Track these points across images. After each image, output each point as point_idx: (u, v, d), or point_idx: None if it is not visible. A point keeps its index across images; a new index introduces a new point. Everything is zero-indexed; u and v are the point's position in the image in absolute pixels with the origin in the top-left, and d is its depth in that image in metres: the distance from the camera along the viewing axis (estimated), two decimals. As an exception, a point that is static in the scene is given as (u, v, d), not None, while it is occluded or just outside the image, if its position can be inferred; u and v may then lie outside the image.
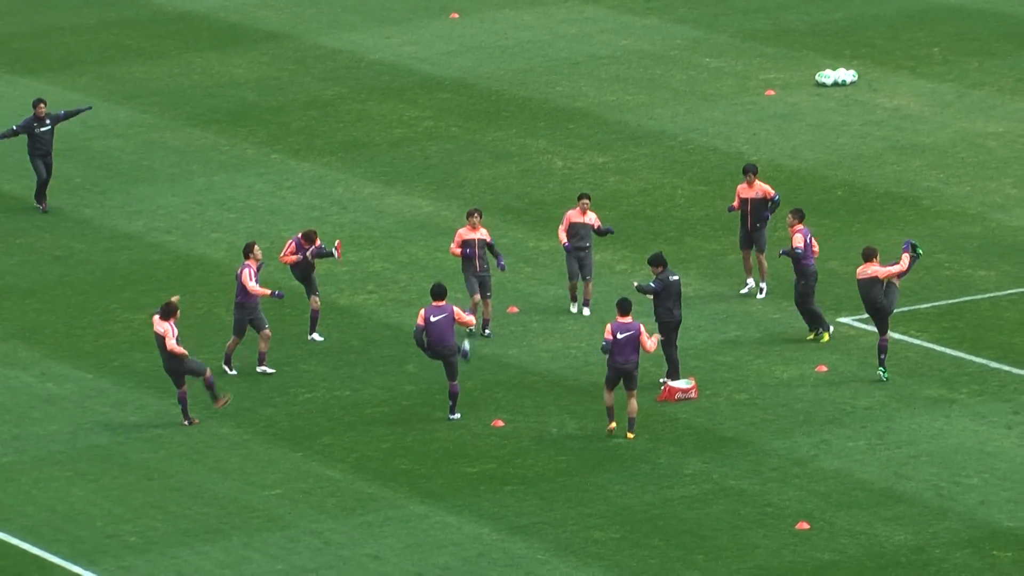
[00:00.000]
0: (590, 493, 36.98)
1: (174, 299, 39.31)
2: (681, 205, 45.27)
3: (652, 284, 39.14)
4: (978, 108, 50.56)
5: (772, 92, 51.69)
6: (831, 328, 41.13)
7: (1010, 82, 52.12)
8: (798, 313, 41.00)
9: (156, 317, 38.89)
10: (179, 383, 39.30)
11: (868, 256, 39.41)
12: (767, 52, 54.21)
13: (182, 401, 39.40)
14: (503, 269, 41.90)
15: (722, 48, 54.65)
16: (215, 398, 39.35)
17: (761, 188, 42.48)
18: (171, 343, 38.70)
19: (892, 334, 39.85)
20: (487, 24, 57.20)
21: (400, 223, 46.10)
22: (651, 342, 38.09)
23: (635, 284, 39.56)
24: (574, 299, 42.08)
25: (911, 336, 39.68)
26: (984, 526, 35.34)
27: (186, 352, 38.96)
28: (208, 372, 39.39)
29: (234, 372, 40.64)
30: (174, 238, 46.23)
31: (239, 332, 40.70)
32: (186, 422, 39.44)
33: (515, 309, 42.11)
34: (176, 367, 39.09)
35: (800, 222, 41.02)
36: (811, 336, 41.03)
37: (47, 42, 56.72)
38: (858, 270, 39.30)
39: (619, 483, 37.22)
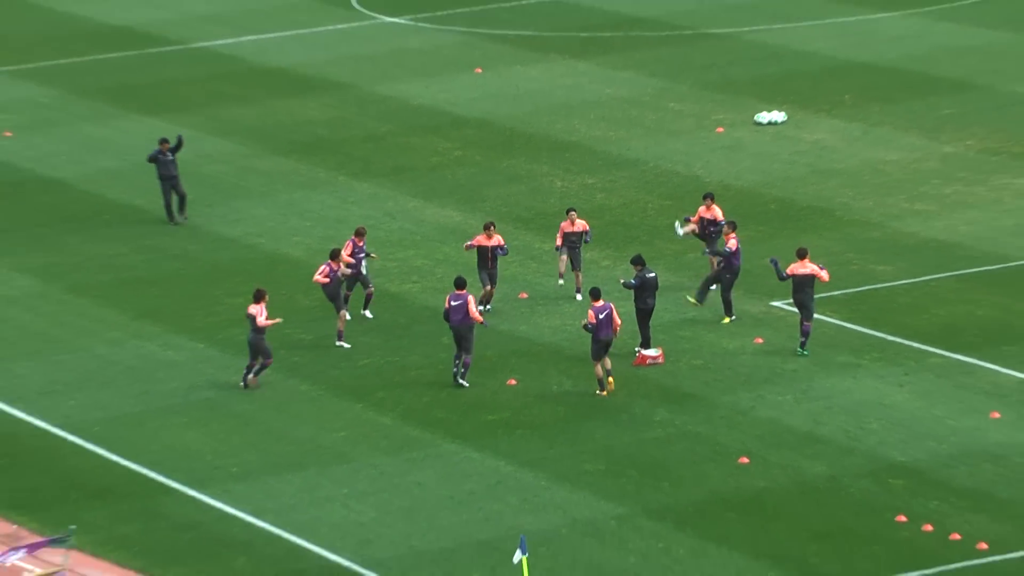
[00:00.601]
0: (581, 436, 36.80)
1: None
2: (651, 216, 45.10)
3: (632, 280, 38.96)
4: (879, 141, 50.35)
5: (721, 129, 51.42)
6: (734, 316, 40.85)
7: (903, 122, 51.89)
8: (729, 301, 41.06)
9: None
10: (265, 355, 39.21)
11: (801, 255, 39.08)
12: (717, 98, 53.91)
13: (264, 367, 39.26)
14: (505, 253, 41.89)
15: (683, 95, 54.35)
16: (256, 375, 39.37)
17: (714, 212, 42.11)
18: (260, 320, 38.61)
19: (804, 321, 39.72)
20: (503, 77, 56.99)
21: (436, 229, 45.97)
22: (619, 319, 38.09)
23: (621, 281, 39.45)
24: (561, 274, 41.99)
25: (827, 316, 39.57)
26: (882, 460, 35.21)
27: (270, 324, 38.97)
28: (270, 360, 39.43)
29: (347, 346, 40.60)
30: (264, 241, 46.09)
31: (338, 308, 40.70)
32: (248, 381, 39.44)
33: (525, 295, 41.97)
34: (258, 341, 39.11)
35: (734, 231, 40.65)
36: (726, 319, 40.99)
37: (167, 90, 56.51)
38: (793, 266, 39.13)
39: (603, 428, 37.04)
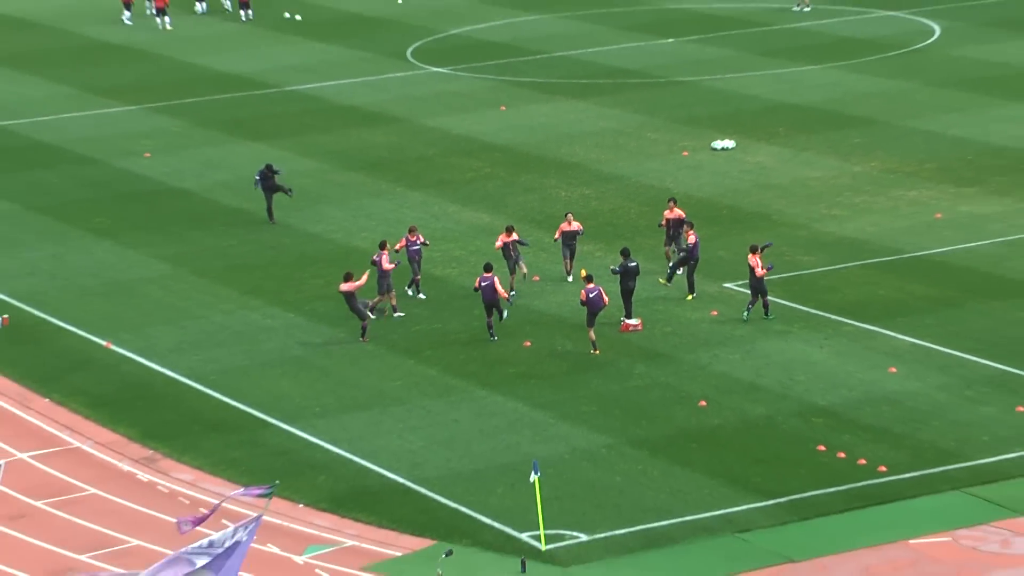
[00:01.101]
0: (579, 384, 36.94)
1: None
2: (633, 218, 45.06)
3: (618, 268, 39.12)
4: (805, 163, 50.21)
5: (686, 153, 51.28)
6: (695, 294, 40.81)
7: (823, 148, 51.77)
8: (692, 281, 40.96)
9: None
10: (363, 318, 39.37)
11: (753, 249, 39.29)
12: (683, 130, 53.74)
13: (363, 329, 39.42)
14: (526, 244, 42.01)
15: (657, 127, 54.15)
16: (362, 335, 39.47)
17: (678, 212, 42.21)
18: (350, 286, 38.78)
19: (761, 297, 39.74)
20: (521, 113, 56.86)
21: (470, 228, 45.94)
22: (607, 298, 38.25)
23: (611, 268, 39.46)
24: (567, 271, 41.85)
25: (774, 297, 39.54)
26: (807, 404, 35.38)
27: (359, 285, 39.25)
28: (367, 322, 39.50)
29: (374, 317, 40.44)
30: (339, 236, 46.12)
31: (381, 291, 40.66)
32: (363, 339, 39.51)
33: (537, 278, 41.94)
34: (355, 306, 39.17)
35: (692, 229, 40.74)
36: (689, 297, 40.89)
37: (267, 122, 56.52)
38: (751, 260, 39.26)
39: (596, 379, 37.18)
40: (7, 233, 47.88)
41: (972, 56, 60.44)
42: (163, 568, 21.20)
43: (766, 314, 39.35)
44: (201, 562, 21.27)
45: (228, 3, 70.14)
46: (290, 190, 47.12)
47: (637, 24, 66.87)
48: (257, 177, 47.19)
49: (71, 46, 67.68)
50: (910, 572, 29.59)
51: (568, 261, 41.91)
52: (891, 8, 67.48)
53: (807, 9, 66.65)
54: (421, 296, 41.60)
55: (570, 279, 41.48)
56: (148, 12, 70.57)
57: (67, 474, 34.08)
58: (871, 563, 29.72)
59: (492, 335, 39.04)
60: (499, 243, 41.57)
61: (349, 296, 39.02)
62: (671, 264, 41.46)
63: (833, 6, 67.90)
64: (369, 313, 40.16)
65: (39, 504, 32.82)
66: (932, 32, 63.88)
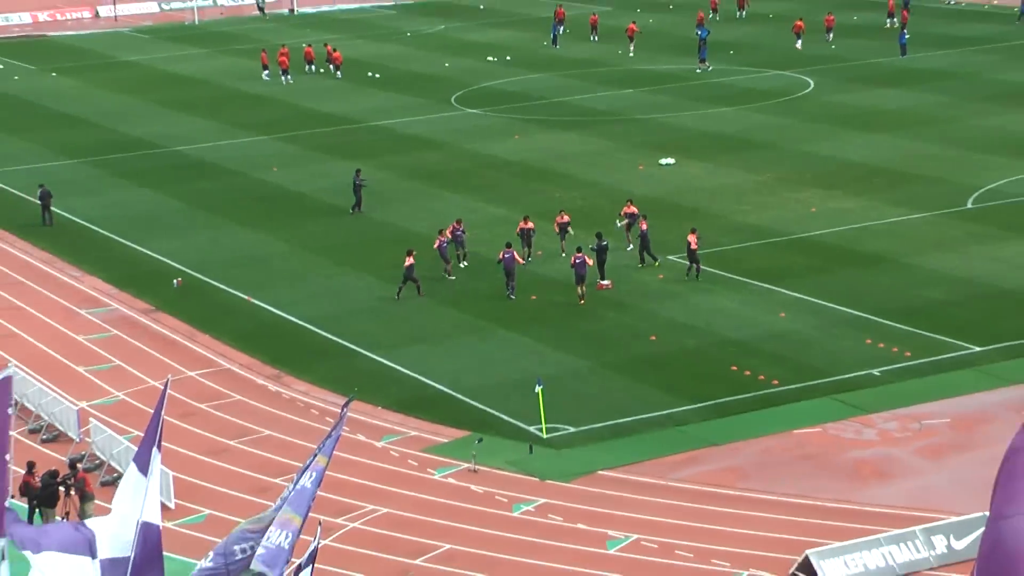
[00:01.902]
0: (569, 326, 36.85)
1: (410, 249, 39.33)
2: (606, 212, 44.71)
3: (593, 247, 38.71)
4: (726, 174, 50.13)
5: (642, 167, 51.20)
6: (645, 263, 40.36)
7: (738, 164, 51.69)
8: (643, 255, 40.51)
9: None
10: (416, 281, 38.76)
11: (693, 231, 39.06)
12: (640, 151, 53.33)
13: (418, 288, 38.81)
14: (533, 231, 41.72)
15: (622, 150, 53.99)
16: (418, 291, 39.05)
17: (633, 208, 41.81)
18: (410, 262, 38.47)
19: (694, 265, 39.59)
20: (529, 140, 56.68)
21: (495, 218, 45.62)
22: (591, 261, 38.03)
23: (590, 247, 38.90)
24: (561, 249, 41.34)
25: (703, 265, 39.32)
26: (725, 337, 35.36)
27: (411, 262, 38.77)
28: (421, 293, 38.90)
29: (453, 278, 40.09)
30: (404, 224, 45.83)
31: (447, 260, 40.05)
32: (421, 295, 38.83)
33: (540, 253, 41.84)
34: (410, 275, 38.67)
35: (644, 220, 40.50)
36: (643, 265, 40.39)
37: (354, 147, 56.20)
38: (689, 238, 38.99)
39: (581, 321, 37.05)
40: (180, 223, 47.78)
41: (836, 101, 60.22)
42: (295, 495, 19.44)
43: (697, 277, 39.16)
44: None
45: (334, 69, 70.29)
46: (365, 183, 46.94)
47: (609, 80, 66.69)
48: (356, 181, 46.99)
49: (226, 96, 67.78)
50: (794, 451, 29.80)
51: (561, 242, 41.61)
52: (779, 69, 67.29)
53: (709, 69, 66.36)
54: (463, 264, 41.24)
55: (563, 255, 41.14)
56: (275, 73, 70.51)
57: (221, 386, 34.29)
58: (768, 446, 29.94)
59: (510, 293, 38.79)
60: (518, 229, 41.40)
61: (409, 267, 38.80)
62: (639, 249, 40.71)
63: (739, 67, 67.65)
64: (445, 274, 39.81)
65: (201, 406, 32.98)
66: (808, 85, 63.74)
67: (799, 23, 71.77)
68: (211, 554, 18.62)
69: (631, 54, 71.90)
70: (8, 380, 20.29)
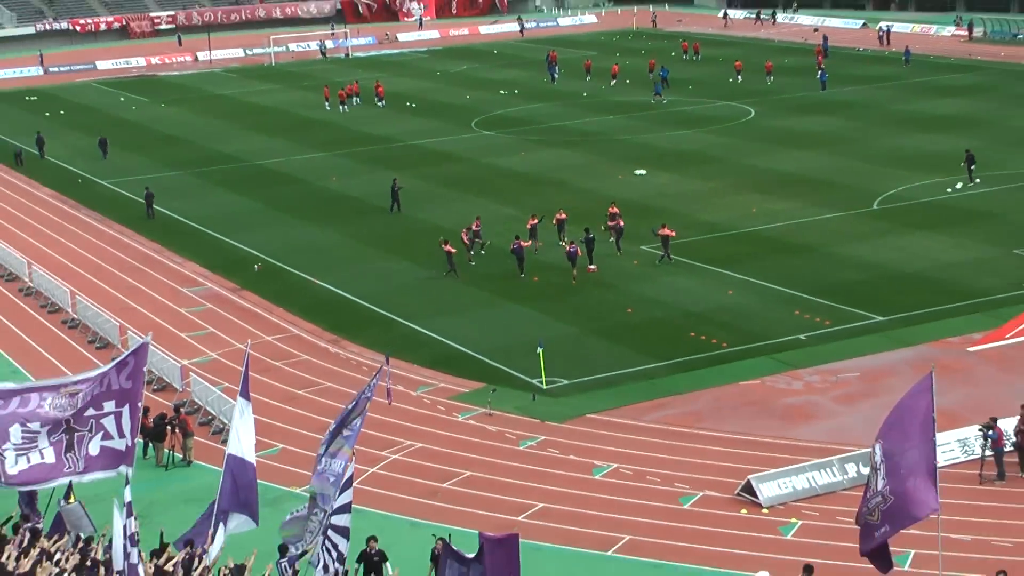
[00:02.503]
0: (564, 300, 36.46)
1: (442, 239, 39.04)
2: (593, 212, 44.21)
3: (583, 239, 38.39)
4: (683, 182, 49.69)
5: (621, 177, 50.75)
6: (620, 251, 39.60)
7: (695, 174, 51.16)
8: (619, 245, 40.06)
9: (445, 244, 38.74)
10: (451, 265, 38.45)
11: (663, 225, 38.76)
12: (620, 164, 52.74)
13: (452, 270, 38.43)
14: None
15: (606, 163, 53.29)
16: (449, 272, 38.69)
17: (615, 209, 41.27)
18: (448, 248, 38.18)
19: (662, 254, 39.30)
20: (533, 156, 56.11)
21: (506, 216, 44.99)
22: (580, 251, 37.72)
23: (581, 240, 38.52)
24: (560, 240, 40.78)
25: (659, 251, 38.89)
26: (685, 310, 34.88)
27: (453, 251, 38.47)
28: (453, 268, 38.48)
29: (473, 263, 39.49)
30: (435, 221, 45.17)
31: (471, 250, 39.77)
32: (453, 271, 38.49)
33: (540, 244, 41.20)
34: (451, 261, 38.41)
35: (621, 218, 40.15)
36: (620, 253, 39.74)
37: (396, 159, 55.78)
38: (661, 231, 38.64)
39: (573, 297, 36.68)
40: (258, 220, 47.39)
41: (772, 125, 59.66)
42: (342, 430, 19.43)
43: (669, 261, 38.81)
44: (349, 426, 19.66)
45: (378, 100, 69.98)
46: (401, 188, 46.54)
47: (594, 108, 66.18)
48: (393, 188, 46.76)
49: (295, 121, 67.44)
50: (739, 399, 29.66)
51: (560, 234, 41.16)
52: (727, 100, 66.86)
53: (664, 101, 65.88)
54: (483, 252, 40.81)
55: (561, 244, 40.66)
56: (334, 104, 70.22)
57: (291, 348, 34.16)
58: (718, 395, 29.81)
59: (521, 274, 38.40)
60: (528, 224, 40.91)
61: (448, 253, 38.47)
62: (615, 241, 40.22)
63: (696, 99, 67.13)
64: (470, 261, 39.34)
65: (276, 363, 32.89)
66: (750, 113, 63.15)
67: (738, 63, 72.11)
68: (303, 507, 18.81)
69: (612, 84, 71.72)
70: (146, 345, 20.60)
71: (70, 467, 18.71)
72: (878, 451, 17.44)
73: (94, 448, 18.81)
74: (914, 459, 17.18)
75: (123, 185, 53.78)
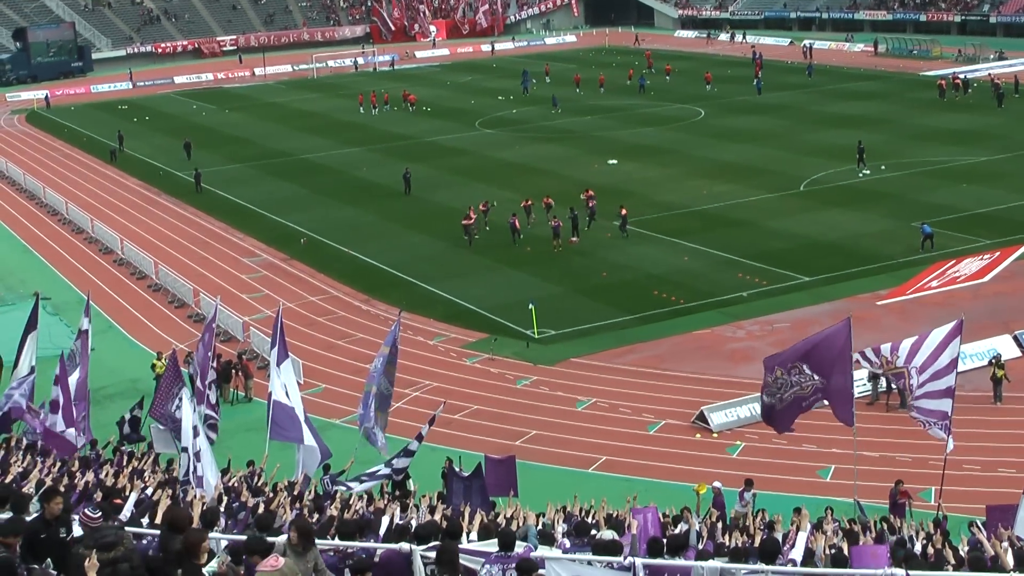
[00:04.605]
0: (551, 266, 35.91)
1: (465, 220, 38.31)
2: (574, 195, 43.36)
3: (568, 216, 37.75)
4: (646, 169, 48.94)
5: (596, 166, 50.13)
6: (589, 227, 38.79)
7: (655, 163, 50.31)
8: (590, 223, 39.35)
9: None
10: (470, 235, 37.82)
11: (625, 208, 38.10)
12: (596, 155, 51.86)
13: (471, 241, 37.75)
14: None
15: (585, 154, 52.42)
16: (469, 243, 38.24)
17: (591, 192, 40.56)
18: (466, 223, 37.53)
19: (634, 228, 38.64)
20: (527, 149, 55.16)
21: (509, 200, 44.29)
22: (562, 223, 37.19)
23: (567, 217, 37.93)
24: (548, 219, 40.24)
25: (639, 228, 38.41)
26: (647, 273, 34.40)
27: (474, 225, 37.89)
28: (470, 243, 37.95)
29: (477, 236, 38.70)
30: (449, 203, 44.45)
31: (476, 226, 38.87)
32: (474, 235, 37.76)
33: (535, 218, 40.72)
34: (467, 230, 37.83)
35: (594, 201, 39.33)
36: (589, 229, 38.82)
37: (413, 153, 54.88)
38: (622, 211, 38.12)
39: (559, 263, 36.09)
40: (304, 202, 46.59)
41: (717, 123, 58.70)
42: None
43: (625, 235, 38.13)
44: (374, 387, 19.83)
45: (410, 106, 68.72)
46: (410, 175, 45.80)
47: (576, 111, 65.15)
48: (404, 175, 46.13)
49: (334, 123, 66.45)
50: (693, 344, 29.32)
51: (548, 213, 40.33)
52: (681, 103, 65.85)
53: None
54: (487, 228, 40.14)
55: (550, 222, 40.18)
56: (366, 108, 69.16)
57: (331, 306, 33.72)
58: (677, 342, 29.50)
59: (514, 243, 37.75)
60: (523, 204, 40.28)
61: (466, 226, 37.71)
62: (588, 218, 39.36)
63: (657, 102, 66.15)
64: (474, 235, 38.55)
65: (318, 319, 32.55)
66: (700, 113, 62.20)
67: (708, 75, 70.59)
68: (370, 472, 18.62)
69: (602, 91, 70.41)
70: (216, 308, 21.30)
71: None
72: (806, 369, 17.14)
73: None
74: (840, 384, 17.05)
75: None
